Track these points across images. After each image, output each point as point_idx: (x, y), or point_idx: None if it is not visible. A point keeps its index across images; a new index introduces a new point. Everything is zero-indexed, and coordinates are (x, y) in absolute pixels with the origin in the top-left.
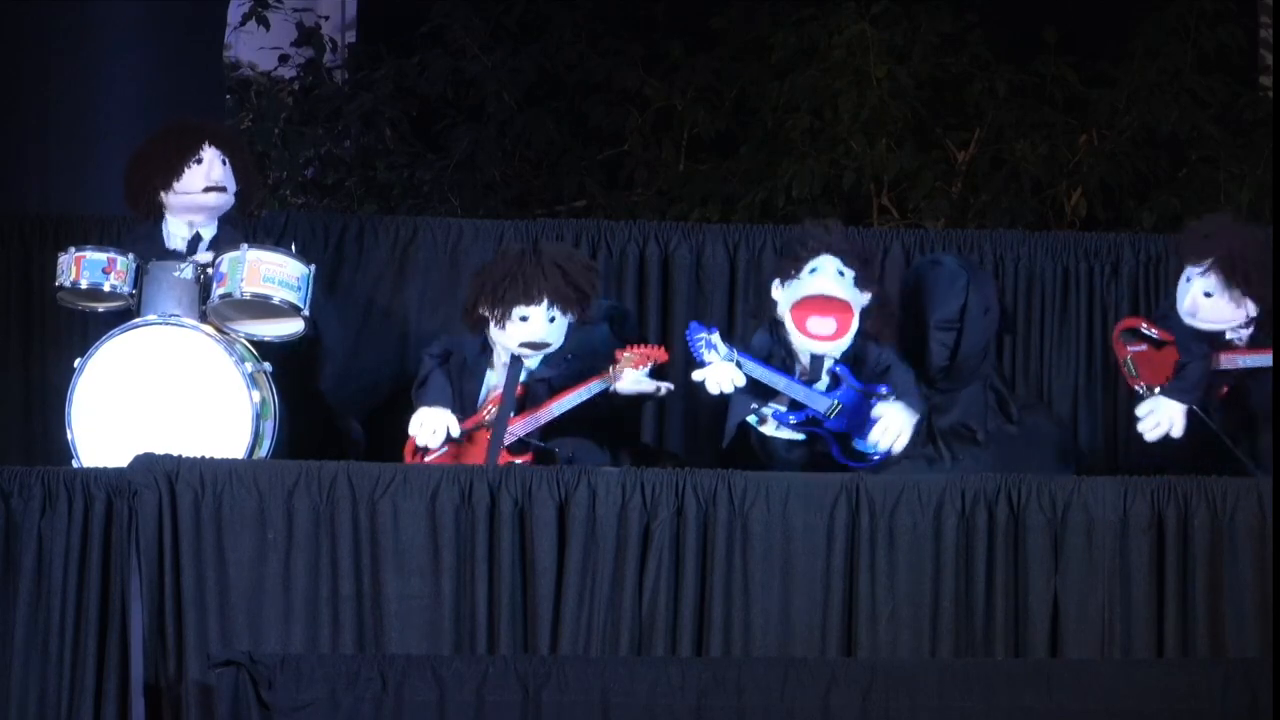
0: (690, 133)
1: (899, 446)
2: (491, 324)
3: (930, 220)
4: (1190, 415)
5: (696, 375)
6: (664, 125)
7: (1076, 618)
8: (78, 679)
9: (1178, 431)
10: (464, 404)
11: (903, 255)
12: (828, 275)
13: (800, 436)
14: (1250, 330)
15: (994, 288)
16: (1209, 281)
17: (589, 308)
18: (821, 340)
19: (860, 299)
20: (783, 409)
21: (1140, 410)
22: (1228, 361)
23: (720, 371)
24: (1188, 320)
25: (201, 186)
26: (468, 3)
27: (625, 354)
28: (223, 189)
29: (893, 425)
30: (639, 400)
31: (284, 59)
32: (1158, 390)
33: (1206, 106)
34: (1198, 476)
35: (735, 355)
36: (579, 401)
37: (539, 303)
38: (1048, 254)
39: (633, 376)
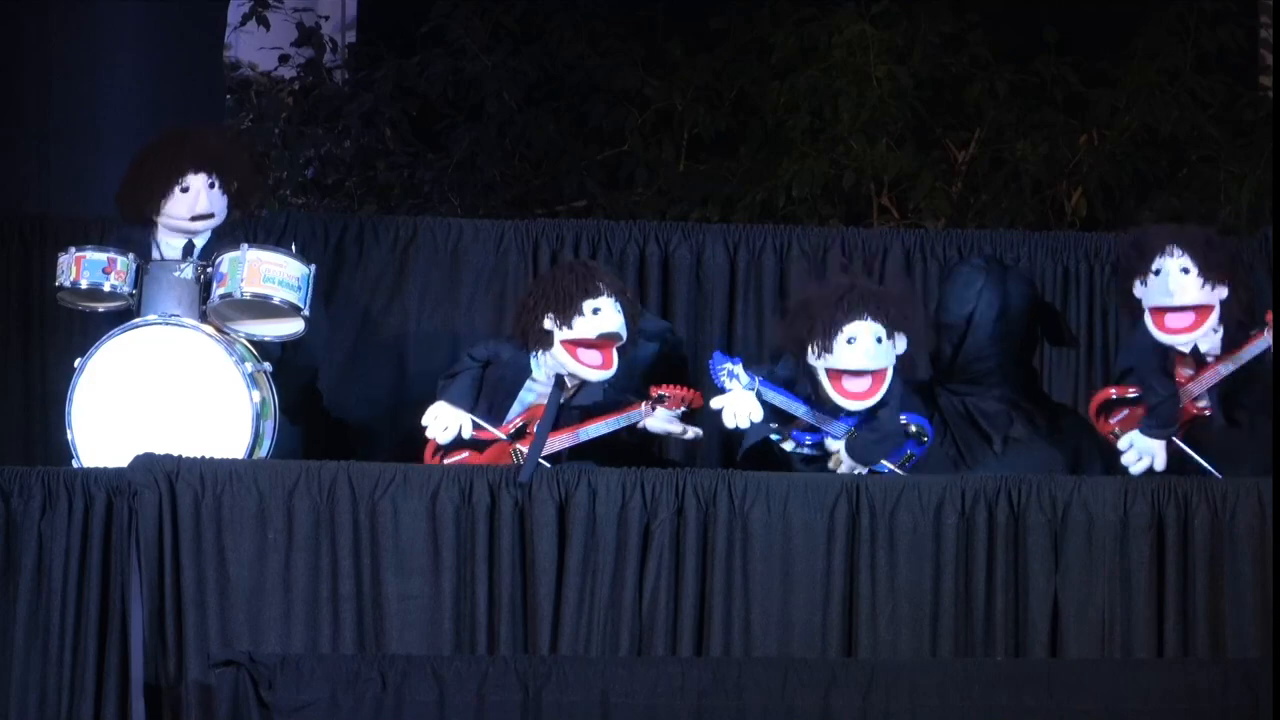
0: (690, 133)
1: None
2: (557, 331)
3: (930, 220)
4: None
5: (715, 403)
6: (664, 125)
7: (1076, 618)
8: (78, 679)
9: (1160, 465)
10: (494, 416)
11: (903, 255)
12: (865, 348)
13: (816, 453)
14: (1220, 335)
15: (1025, 295)
16: (1184, 259)
17: (633, 324)
18: (855, 399)
19: (895, 352)
20: (801, 430)
21: (1121, 444)
22: (1200, 385)
23: (738, 403)
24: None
25: (188, 216)
26: (468, 3)
27: (661, 391)
28: (209, 216)
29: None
30: (665, 438)
31: (284, 59)
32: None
33: (1206, 106)
34: (1198, 476)
35: (757, 384)
36: (610, 430)
37: (607, 295)
38: (1048, 254)
39: (665, 416)
